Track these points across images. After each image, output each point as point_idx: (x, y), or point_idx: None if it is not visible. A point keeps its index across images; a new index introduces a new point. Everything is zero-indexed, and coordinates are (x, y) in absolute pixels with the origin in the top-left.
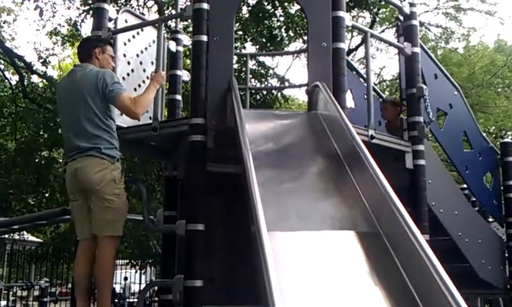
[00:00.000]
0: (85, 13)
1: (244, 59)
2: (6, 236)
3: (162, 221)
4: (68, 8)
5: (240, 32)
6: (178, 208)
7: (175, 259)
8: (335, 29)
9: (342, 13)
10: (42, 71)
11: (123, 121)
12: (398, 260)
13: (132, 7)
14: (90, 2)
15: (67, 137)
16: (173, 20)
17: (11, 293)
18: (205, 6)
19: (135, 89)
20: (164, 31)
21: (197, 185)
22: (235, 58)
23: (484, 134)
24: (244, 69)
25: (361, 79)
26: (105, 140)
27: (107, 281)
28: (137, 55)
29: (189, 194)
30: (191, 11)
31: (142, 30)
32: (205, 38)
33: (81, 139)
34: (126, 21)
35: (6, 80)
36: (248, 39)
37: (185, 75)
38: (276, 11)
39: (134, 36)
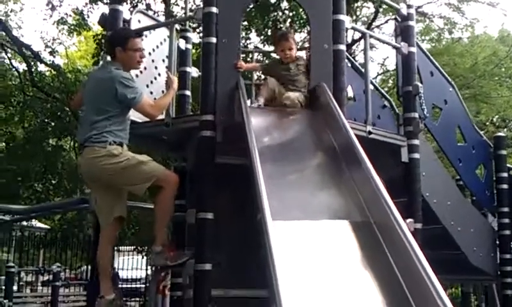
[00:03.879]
0: (92, 3)
1: (251, 56)
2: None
3: None
4: None
5: (246, 23)
6: (187, 197)
7: (185, 245)
8: (335, 31)
9: (342, 16)
10: (49, 61)
11: (139, 117)
12: (387, 248)
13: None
14: None
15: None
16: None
17: (17, 278)
18: (214, 10)
19: (147, 86)
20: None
21: (206, 177)
22: (242, 56)
23: (487, 123)
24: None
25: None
26: (98, 131)
27: (164, 218)
28: (150, 54)
29: (199, 185)
30: (201, 15)
31: (154, 29)
32: (214, 40)
33: (82, 133)
34: (139, 21)
35: (14, 69)
36: (253, 30)
37: (194, 72)
38: (282, 4)
39: (146, 36)
